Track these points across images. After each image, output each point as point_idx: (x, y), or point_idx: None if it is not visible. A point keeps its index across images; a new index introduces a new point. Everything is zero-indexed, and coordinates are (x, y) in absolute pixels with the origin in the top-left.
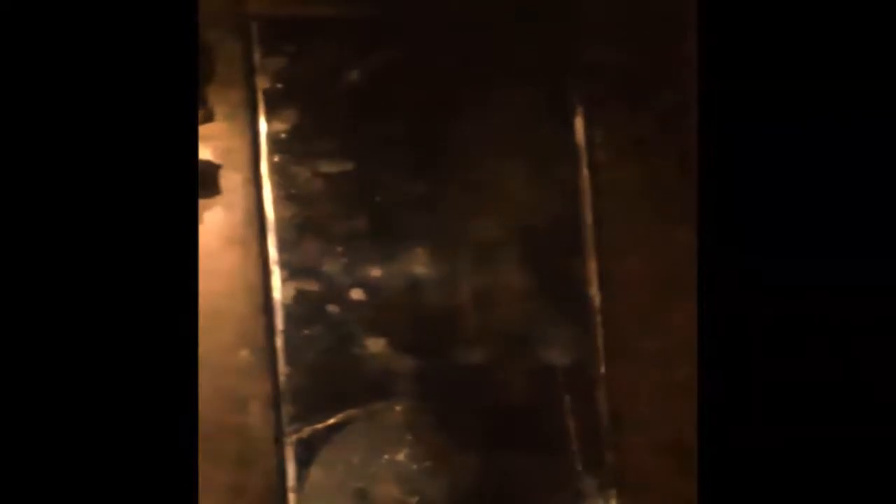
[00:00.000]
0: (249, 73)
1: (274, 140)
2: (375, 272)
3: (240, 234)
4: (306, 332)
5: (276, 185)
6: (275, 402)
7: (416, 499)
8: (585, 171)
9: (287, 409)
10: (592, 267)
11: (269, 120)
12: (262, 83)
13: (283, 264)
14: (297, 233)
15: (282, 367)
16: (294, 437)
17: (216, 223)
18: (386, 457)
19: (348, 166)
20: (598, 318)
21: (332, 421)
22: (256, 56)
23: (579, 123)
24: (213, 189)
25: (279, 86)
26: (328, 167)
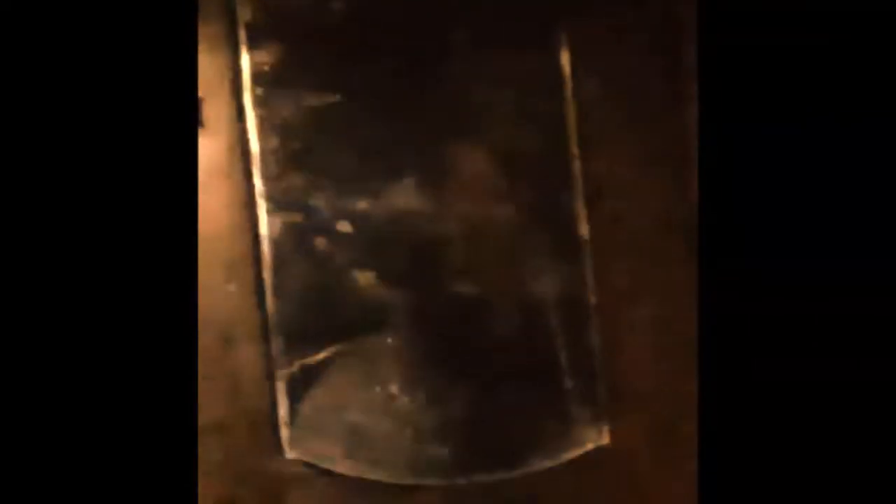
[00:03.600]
0: (231, 5)
1: (257, 72)
2: (362, 205)
3: (224, 166)
4: (294, 265)
5: (260, 118)
6: (264, 336)
7: (408, 430)
8: (571, 104)
9: (277, 344)
10: (580, 199)
11: (251, 52)
12: (243, 15)
13: (269, 197)
14: (282, 166)
15: (270, 301)
16: (285, 372)
17: (200, 156)
18: (377, 389)
19: (333, 99)
20: (588, 250)
21: (322, 355)
22: None
23: (565, 56)
24: (197, 122)
25: (261, 17)
26: (313, 100)
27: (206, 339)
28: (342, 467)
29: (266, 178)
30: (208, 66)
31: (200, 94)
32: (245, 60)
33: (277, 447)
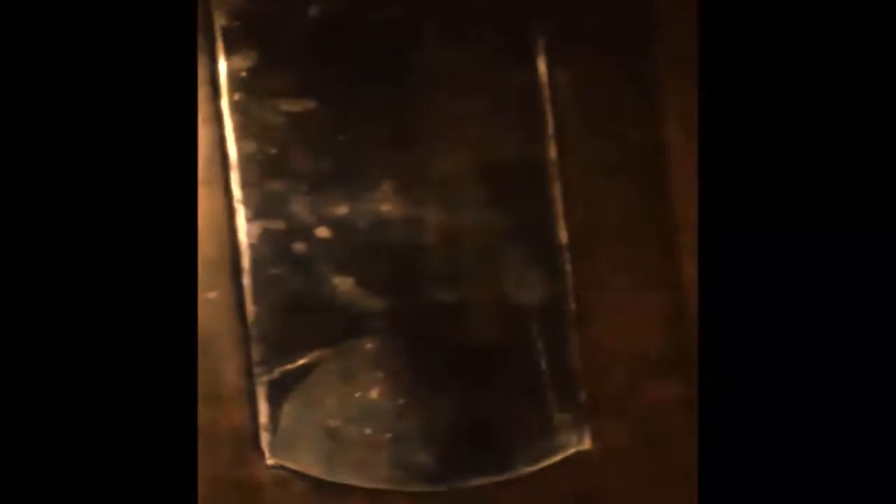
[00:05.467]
0: (206, 11)
1: (234, 79)
2: (341, 210)
3: (203, 174)
4: (274, 271)
5: (238, 125)
6: (245, 342)
7: (388, 436)
8: (548, 109)
9: (257, 350)
10: (558, 205)
11: (228, 58)
12: (219, 20)
13: (248, 203)
14: (260, 172)
15: (250, 308)
16: (265, 378)
17: None
18: (358, 395)
19: (310, 105)
20: (567, 255)
21: (302, 361)
22: None
23: (541, 61)
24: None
25: (237, 23)
26: (290, 105)
27: None
28: (322, 473)
29: (244, 184)
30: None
31: None
32: (222, 66)
33: (258, 453)
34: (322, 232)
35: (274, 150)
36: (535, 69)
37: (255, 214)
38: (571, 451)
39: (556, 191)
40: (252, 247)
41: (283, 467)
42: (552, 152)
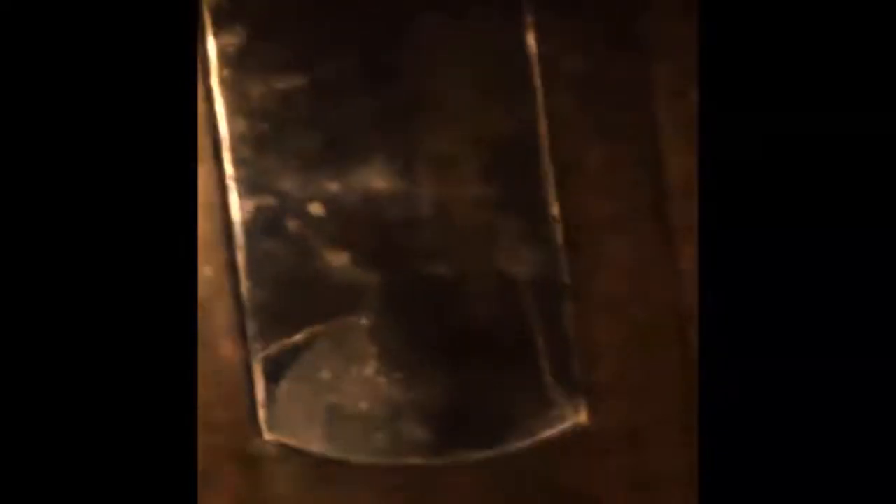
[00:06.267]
0: None
1: (224, 55)
2: (334, 186)
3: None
4: (267, 247)
5: (229, 101)
6: (240, 319)
7: (384, 411)
8: (539, 85)
9: (252, 327)
10: (550, 179)
11: (217, 35)
12: None
13: (240, 180)
14: (252, 148)
15: (244, 285)
16: (261, 354)
17: None
18: (354, 370)
19: (301, 81)
20: (559, 229)
21: (298, 337)
22: None
23: (531, 37)
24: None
25: (226, 2)
26: (280, 83)
27: None
28: (320, 448)
29: (237, 161)
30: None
31: None
32: (211, 43)
33: (255, 428)
34: (315, 208)
35: (265, 127)
36: (524, 44)
37: (247, 191)
38: (567, 424)
39: (548, 165)
40: (245, 223)
41: (280, 443)
42: (542, 127)
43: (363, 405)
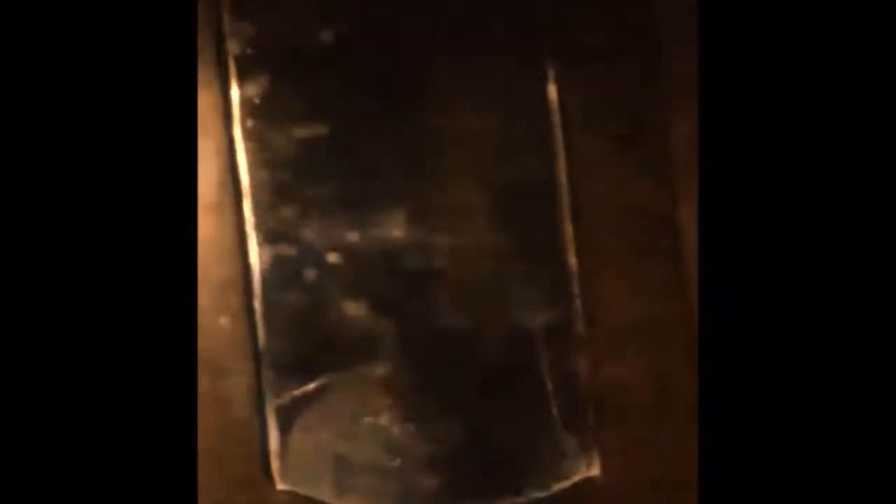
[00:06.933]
0: (220, 39)
1: (246, 105)
2: (352, 236)
3: (215, 200)
4: (284, 296)
5: (250, 151)
6: (255, 367)
7: (398, 461)
8: (559, 133)
9: (267, 375)
10: (568, 228)
11: (240, 85)
12: (232, 48)
13: (259, 229)
14: (272, 197)
15: (261, 333)
16: (275, 403)
17: None
18: (368, 420)
19: (322, 130)
20: (576, 279)
21: (312, 386)
22: (226, 21)
23: (551, 82)
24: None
25: (250, 51)
26: (302, 132)
27: (197, 370)
28: (333, 498)
29: (256, 209)
30: (198, 101)
31: None
32: (235, 93)
33: (268, 478)
34: (333, 257)
35: (285, 176)
36: (544, 90)
37: (266, 240)
38: (579, 477)
39: (566, 213)
40: (263, 272)
41: (293, 493)
42: (562, 175)
43: (376, 455)
